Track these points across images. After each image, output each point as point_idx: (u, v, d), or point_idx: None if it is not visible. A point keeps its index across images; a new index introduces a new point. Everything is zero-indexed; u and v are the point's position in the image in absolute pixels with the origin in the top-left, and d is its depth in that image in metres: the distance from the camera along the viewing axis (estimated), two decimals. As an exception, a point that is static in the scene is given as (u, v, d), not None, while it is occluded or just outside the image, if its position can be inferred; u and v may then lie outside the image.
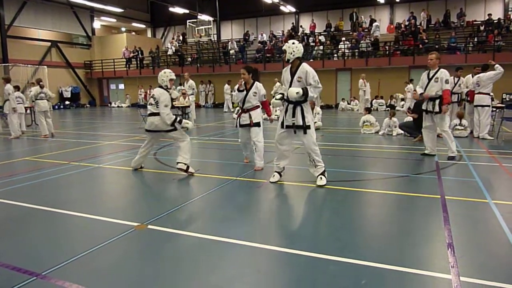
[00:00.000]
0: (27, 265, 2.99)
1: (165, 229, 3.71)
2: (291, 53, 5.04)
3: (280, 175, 5.45)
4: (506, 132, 9.42)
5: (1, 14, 23.51)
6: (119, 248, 3.34)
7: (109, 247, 3.32)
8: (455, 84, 10.38)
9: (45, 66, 25.29)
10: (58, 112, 24.16)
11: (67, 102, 27.38)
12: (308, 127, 5.06)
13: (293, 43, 5.12)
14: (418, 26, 22.68)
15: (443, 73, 6.69)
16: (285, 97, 5.13)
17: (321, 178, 5.21)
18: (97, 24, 31.26)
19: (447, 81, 6.64)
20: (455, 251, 3.08)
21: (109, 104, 29.51)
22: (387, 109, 18.76)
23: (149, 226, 3.80)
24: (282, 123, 5.20)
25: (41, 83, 11.25)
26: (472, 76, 9.83)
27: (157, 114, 5.82)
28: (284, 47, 5.15)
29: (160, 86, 5.98)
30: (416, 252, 3.17)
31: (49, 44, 27.43)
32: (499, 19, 22.23)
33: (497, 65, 9.04)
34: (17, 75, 20.49)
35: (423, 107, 7.11)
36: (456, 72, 10.57)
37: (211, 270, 2.90)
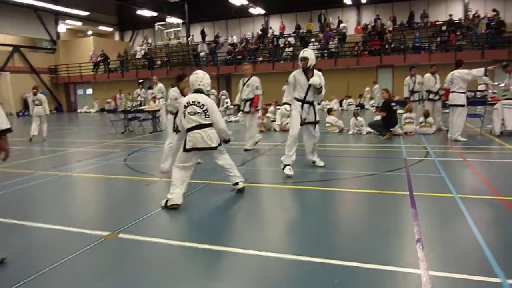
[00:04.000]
0: (-10, 282, 2.86)
1: (136, 237, 3.64)
2: (312, 60, 5.72)
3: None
4: (469, 128, 9.79)
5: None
6: (89, 259, 3.25)
7: (78, 259, 3.23)
8: (414, 83, 10.71)
9: (8, 72, 24.38)
10: (22, 119, 23.29)
11: (32, 109, 26.43)
12: (318, 122, 6.11)
13: (311, 52, 5.82)
14: (384, 27, 23.29)
15: (254, 81, 7.90)
16: (301, 98, 5.88)
17: (320, 159, 6.41)
18: (62, 27, 30.33)
19: (257, 87, 7.90)
20: (424, 246, 3.17)
21: (76, 110, 28.73)
22: (356, 108, 19.14)
23: (120, 235, 3.71)
24: (301, 120, 5.90)
25: (35, 90, 11.91)
26: (432, 75, 10.14)
27: (206, 125, 4.54)
28: (305, 55, 5.73)
29: (198, 91, 4.67)
30: (387, 249, 3.24)
31: (10, 48, 26.40)
32: (459, 19, 23.13)
33: (484, 78, 9.44)
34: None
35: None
36: (410, 71, 10.90)
37: (184, 279, 2.87)
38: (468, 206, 4.12)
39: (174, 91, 6.15)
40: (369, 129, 9.89)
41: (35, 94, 11.76)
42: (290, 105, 5.99)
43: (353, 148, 8.50)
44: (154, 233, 3.78)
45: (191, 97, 4.60)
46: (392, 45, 21.76)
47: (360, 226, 3.87)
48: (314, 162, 6.41)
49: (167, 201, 4.48)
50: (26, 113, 25.94)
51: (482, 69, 8.17)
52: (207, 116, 4.53)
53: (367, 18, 26.09)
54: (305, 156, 6.49)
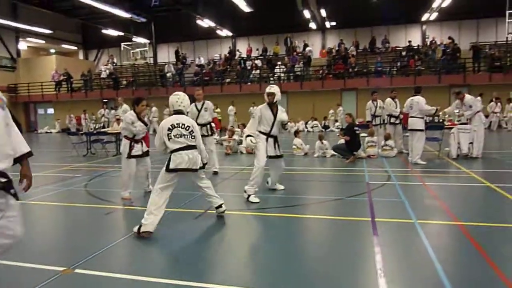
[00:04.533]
0: None
1: (94, 273, 3.48)
2: (278, 96, 5.96)
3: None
4: (428, 151, 10.19)
5: None
6: (41, 298, 3.07)
7: (29, 299, 3.04)
8: (376, 107, 11.14)
9: (-38, 90, 23.27)
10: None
11: (-12, 129, 25.19)
12: (282, 156, 6.30)
13: (277, 89, 6.03)
14: (348, 51, 24.14)
15: (210, 104, 8.24)
16: (266, 132, 6.01)
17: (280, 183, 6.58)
18: (23, 45, 29.43)
19: (213, 110, 8.49)
20: (385, 275, 3.21)
21: (36, 130, 27.69)
22: (321, 130, 19.54)
23: (76, 270, 3.54)
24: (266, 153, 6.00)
25: None
26: (393, 99, 10.55)
27: (193, 147, 4.54)
28: (272, 90, 5.94)
29: (178, 112, 4.63)
30: (349, 278, 3.26)
31: (-34, 66, 25.31)
32: (418, 45, 24.35)
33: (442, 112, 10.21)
34: None
35: None
36: (372, 96, 11.35)
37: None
38: (427, 232, 4.24)
39: (130, 115, 6.05)
40: (333, 152, 10.09)
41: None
42: (253, 137, 6.08)
43: (318, 172, 8.62)
44: (114, 268, 3.63)
45: (174, 119, 4.53)
46: (356, 69, 22.57)
47: (323, 255, 3.88)
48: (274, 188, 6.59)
49: (140, 227, 4.32)
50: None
51: (434, 109, 9.03)
52: (193, 137, 4.54)
53: (332, 42, 27.02)
54: (267, 181, 6.53)
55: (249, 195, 5.87)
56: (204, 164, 4.81)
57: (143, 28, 27.90)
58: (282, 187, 6.59)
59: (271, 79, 23.72)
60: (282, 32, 27.10)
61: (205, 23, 24.41)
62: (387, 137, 10.12)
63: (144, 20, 25.47)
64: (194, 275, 3.40)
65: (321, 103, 21.74)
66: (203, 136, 8.09)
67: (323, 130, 19.56)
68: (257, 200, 5.79)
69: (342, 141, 9.78)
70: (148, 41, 27.45)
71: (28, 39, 28.91)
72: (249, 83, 23.65)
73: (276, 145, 6.13)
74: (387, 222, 4.73)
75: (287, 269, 3.50)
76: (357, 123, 12.43)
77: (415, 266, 3.49)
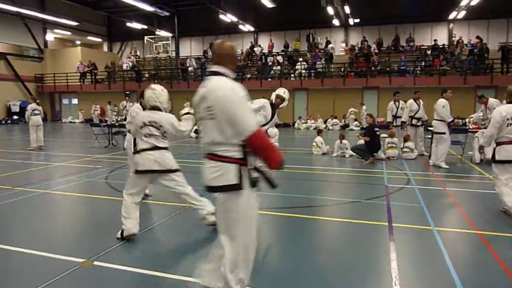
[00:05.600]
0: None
1: (111, 266, 3.58)
2: (285, 104, 5.58)
3: None
4: (450, 155, 9.97)
5: None
6: (61, 289, 3.18)
7: (50, 289, 3.15)
8: (397, 108, 10.95)
9: (-8, 79, 24.02)
10: (5, 127, 22.86)
11: (15, 117, 25.98)
12: None
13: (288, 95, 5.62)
14: (371, 49, 23.76)
15: None
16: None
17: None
18: (50, 36, 30.10)
19: None
20: (399, 283, 3.18)
21: (60, 120, 28.36)
22: (342, 129, 19.38)
23: (95, 263, 3.64)
24: None
25: (37, 100, 12.80)
26: (415, 101, 10.32)
27: (160, 149, 4.23)
28: (284, 96, 5.54)
29: (154, 108, 4.28)
30: (362, 285, 3.25)
31: (-4, 56, 26.08)
32: (443, 44, 23.76)
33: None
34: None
35: None
36: (394, 96, 11.15)
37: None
38: (445, 240, 4.18)
39: (136, 108, 5.54)
40: (352, 152, 9.99)
41: (38, 104, 12.53)
42: None
43: (336, 172, 8.55)
44: (131, 262, 3.70)
45: (146, 116, 4.23)
46: (378, 67, 22.20)
47: (338, 259, 3.87)
48: None
49: (122, 231, 4.26)
50: (9, 121, 25.51)
51: (450, 118, 8.48)
52: (164, 137, 4.25)
53: (354, 39, 26.62)
54: (284, 180, 6.52)
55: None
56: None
57: (166, 22, 28.15)
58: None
59: (292, 75, 23.60)
60: (305, 28, 26.86)
61: (228, 18, 24.43)
62: (406, 139, 9.95)
63: (167, 14, 25.68)
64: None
65: (342, 101, 21.50)
66: None
67: (344, 130, 19.40)
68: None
69: (361, 141, 9.68)
70: (171, 35, 27.67)
71: (55, 30, 29.58)
72: (269, 79, 23.59)
73: None
74: (405, 227, 4.67)
75: (298, 271, 3.50)
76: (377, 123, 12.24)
77: (431, 275, 3.44)
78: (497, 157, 5.08)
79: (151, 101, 4.26)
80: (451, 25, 25.08)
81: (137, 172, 4.23)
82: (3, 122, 24.91)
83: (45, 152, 11.63)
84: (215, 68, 2.67)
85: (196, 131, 15.76)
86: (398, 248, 3.96)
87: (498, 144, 5.10)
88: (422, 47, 24.54)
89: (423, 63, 22.09)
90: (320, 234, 4.72)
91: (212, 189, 2.57)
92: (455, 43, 23.37)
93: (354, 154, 9.89)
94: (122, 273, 3.47)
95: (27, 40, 27.56)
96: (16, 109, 26.25)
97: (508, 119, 4.94)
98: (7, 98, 25.98)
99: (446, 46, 23.69)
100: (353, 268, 3.59)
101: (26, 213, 5.51)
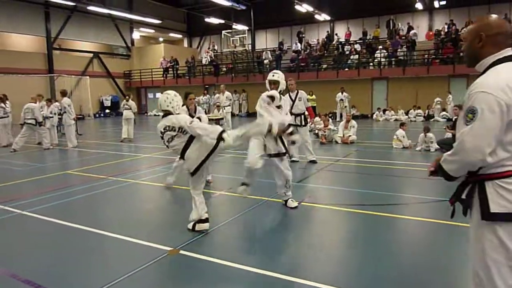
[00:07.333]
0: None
1: (196, 256, 3.76)
2: (283, 85, 5.28)
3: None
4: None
5: (48, 27, 24.86)
6: (151, 276, 3.42)
7: (142, 274, 3.40)
8: None
9: (88, 76, 26.53)
10: (98, 120, 25.19)
11: (107, 111, 28.45)
12: (285, 153, 5.19)
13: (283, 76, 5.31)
14: (459, 33, 21.89)
15: (304, 94, 8.31)
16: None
17: (292, 200, 5.26)
18: (136, 35, 32.39)
19: (307, 100, 8.48)
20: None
21: (146, 113, 30.40)
22: (426, 120, 18.24)
23: (181, 252, 3.86)
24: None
25: (127, 96, 13.97)
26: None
27: (189, 142, 4.18)
28: (274, 78, 5.21)
29: (166, 113, 4.29)
30: (453, 292, 3.05)
31: (91, 55, 28.70)
32: (547, 24, 21.08)
33: None
34: (61, 85, 21.51)
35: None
36: None
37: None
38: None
39: (182, 110, 5.97)
40: (438, 146, 9.35)
41: (127, 100, 13.62)
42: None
43: (419, 168, 8.04)
44: (214, 252, 3.85)
45: (161, 124, 4.26)
46: (468, 53, 20.38)
47: (424, 262, 3.66)
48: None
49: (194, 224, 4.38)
50: (102, 115, 28.01)
51: None
52: (185, 132, 4.15)
53: (440, 23, 24.72)
54: (361, 175, 6.30)
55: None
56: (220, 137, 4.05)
57: (242, 15, 28.67)
58: (294, 204, 5.23)
59: (371, 64, 22.67)
60: (384, 14, 25.58)
61: (303, 7, 24.13)
62: None
63: (244, 7, 26.11)
64: (288, 269, 3.46)
65: (425, 91, 20.17)
66: (297, 126, 8.17)
67: (427, 119, 18.23)
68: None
69: (449, 135, 9.01)
70: (247, 28, 28.11)
71: (141, 29, 31.81)
72: (346, 69, 22.92)
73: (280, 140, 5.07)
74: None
75: (378, 272, 3.38)
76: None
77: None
78: None
79: (163, 105, 4.28)
80: (557, 2, 22.19)
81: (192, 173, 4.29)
82: (97, 115, 27.39)
83: (134, 144, 12.58)
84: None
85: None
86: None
87: None
88: (521, 28, 22.01)
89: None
90: (400, 233, 4.51)
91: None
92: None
93: (441, 148, 9.24)
94: (206, 263, 3.64)
95: (116, 39, 29.95)
96: (107, 103, 28.72)
97: None
98: (100, 93, 28.49)
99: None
100: (435, 271, 3.37)
101: (119, 201, 6.03)
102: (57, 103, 12.90)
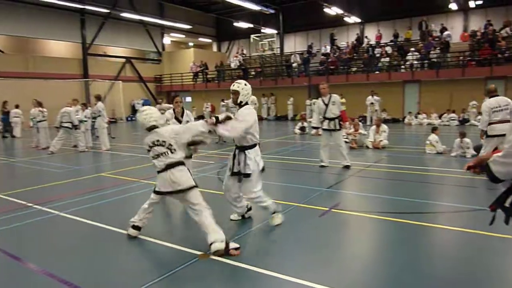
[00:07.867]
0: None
1: (225, 261, 3.78)
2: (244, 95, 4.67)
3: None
4: None
5: (83, 34, 25.79)
6: (183, 279, 3.46)
7: (174, 278, 3.45)
8: None
9: (120, 81, 27.31)
10: (130, 123, 25.83)
11: (138, 114, 29.08)
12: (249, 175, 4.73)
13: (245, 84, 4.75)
14: (497, 34, 21.08)
15: (337, 98, 8.21)
16: None
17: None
18: (167, 40, 33.08)
19: (341, 104, 8.43)
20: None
21: (176, 116, 30.88)
22: (460, 124, 17.65)
23: (212, 256, 3.88)
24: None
25: (159, 100, 14.60)
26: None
27: (173, 165, 4.11)
28: (234, 88, 4.68)
29: (152, 128, 4.21)
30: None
31: (124, 60, 29.52)
32: None
33: None
34: (96, 90, 22.25)
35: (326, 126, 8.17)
36: None
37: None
38: None
39: (168, 113, 6.10)
40: (474, 152, 9.01)
41: (159, 104, 14.14)
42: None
43: (455, 175, 7.77)
44: (243, 258, 3.84)
45: (149, 138, 4.17)
46: (506, 54, 19.59)
47: (461, 275, 3.53)
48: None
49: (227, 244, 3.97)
50: (134, 118, 28.70)
51: None
52: (173, 151, 4.09)
53: (476, 24, 23.89)
54: (393, 182, 6.14)
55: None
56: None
57: (271, 19, 28.73)
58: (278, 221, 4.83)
59: (402, 67, 22.17)
60: (416, 16, 24.97)
61: (333, 10, 23.93)
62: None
63: (272, 11, 26.19)
64: (322, 279, 3.41)
65: (460, 94, 19.49)
66: (331, 130, 8.11)
67: (463, 124, 17.64)
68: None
69: (485, 140, 8.65)
70: (276, 32, 28.15)
71: (172, 34, 32.48)
72: (377, 72, 22.51)
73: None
74: (544, 243, 4.05)
75: (411, 284, 3.28)
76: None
77: None
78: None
79: (145, 124, 4.17)
80: None
81: (156, 192, 4.32)
82: (129, 119, 28.09)
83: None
84: None
85: (302, 128, 15.84)
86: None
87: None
88: None
89: None
90: (435, 243, 4.35)
91: None
92: None
93: (478, 154, 8.90)
94: (234, 268, 3.65)
95: (147, 45, 30.69)
96: (139, 107, 29.26)
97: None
98: (132, 97, 29.22)
99: None
100: (472, 285, 3.24)
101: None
102: (89, 108, 13.38)
